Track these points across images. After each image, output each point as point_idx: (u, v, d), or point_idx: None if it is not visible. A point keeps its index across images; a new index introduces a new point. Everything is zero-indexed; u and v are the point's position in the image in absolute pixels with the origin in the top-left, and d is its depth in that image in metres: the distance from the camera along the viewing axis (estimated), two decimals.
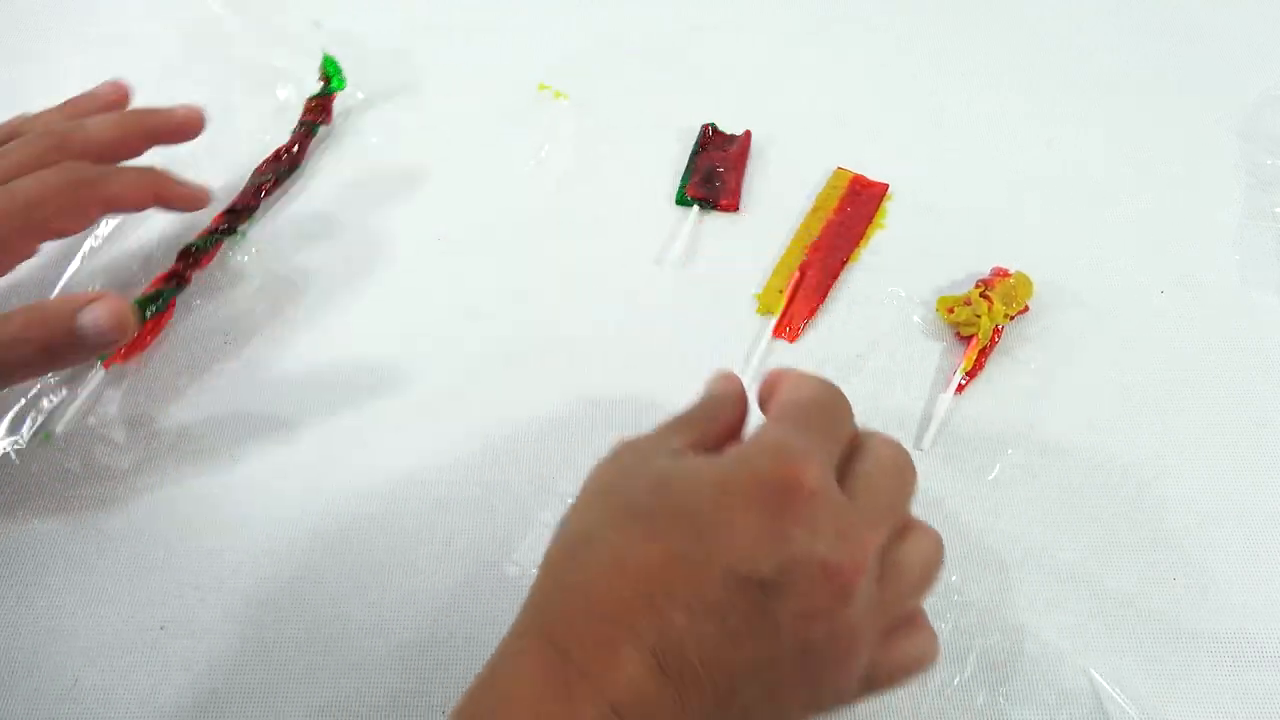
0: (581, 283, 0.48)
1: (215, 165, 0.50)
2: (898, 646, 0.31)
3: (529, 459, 0.43)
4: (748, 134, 0.52)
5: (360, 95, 0.54)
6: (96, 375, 0.44)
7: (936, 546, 0.31)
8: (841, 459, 0.31)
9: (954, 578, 0.40)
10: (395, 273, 0.48)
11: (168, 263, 0.47)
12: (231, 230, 0.48)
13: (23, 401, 0.44)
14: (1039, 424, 0.44)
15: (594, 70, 0.55)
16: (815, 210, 0.50)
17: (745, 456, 0.30)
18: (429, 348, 0.46)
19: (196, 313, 0.47)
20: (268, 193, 0.49)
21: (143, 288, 0.46)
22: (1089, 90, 0.54)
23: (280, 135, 0.52)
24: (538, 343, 0.46)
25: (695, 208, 0.50)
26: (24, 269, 0.42)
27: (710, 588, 0.28)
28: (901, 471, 0.32)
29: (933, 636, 0.32)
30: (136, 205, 0.43)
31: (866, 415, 0.44)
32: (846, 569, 0.28)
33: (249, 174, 0.50)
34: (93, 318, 0.37)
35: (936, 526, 0.41)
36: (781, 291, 0.47)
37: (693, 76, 0.55)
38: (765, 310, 0.47)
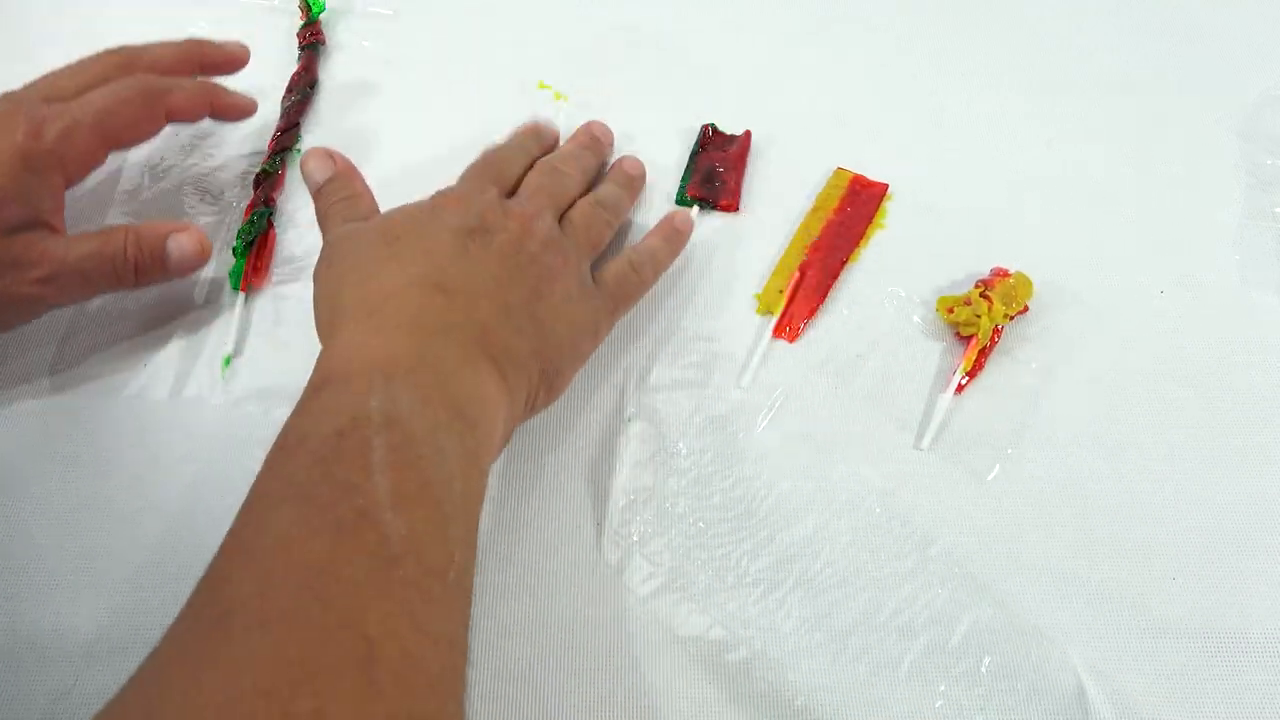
0: None
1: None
2: (607, 265, 0.44)
3: (530, 460, 0.43)
4: (747, 134, 0.52)
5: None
6: (238, 299, 0.47)
7: (591, 206, 0.46)
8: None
9: (957, 585, 0.40)
10: None
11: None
12: (289, 148, 0.53)
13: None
14: (1039, 424, 0.44)
15: (593, 71, 0.55)
16: (815, 210, 0.50)
17: (432, 199, 0.42)
18: None
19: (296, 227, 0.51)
20: (304, 110, 0.55)
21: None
22: (1089, 90, 0.54)
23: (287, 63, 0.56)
24: None
25: (695, 208, 0.50)
26: None
27: (448, 243, 0.39)
28: (552, 172, 0.46)
29: (623, 260, 0.45)
30: (195, 115, 0.48)
31: (866, 415, 0.44)
32: (520, 215, 0.42)
33: (278, 101, 0.54)
34: (178, 245, 0.44)
35: (936, 526, 0.42)
36: (782, 291, 0.47)
37: (693, 76, 0.55)
38: (765, 310, 0.47)
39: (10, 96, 0.43)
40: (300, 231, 0.50)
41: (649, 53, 0.56)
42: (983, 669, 0.38)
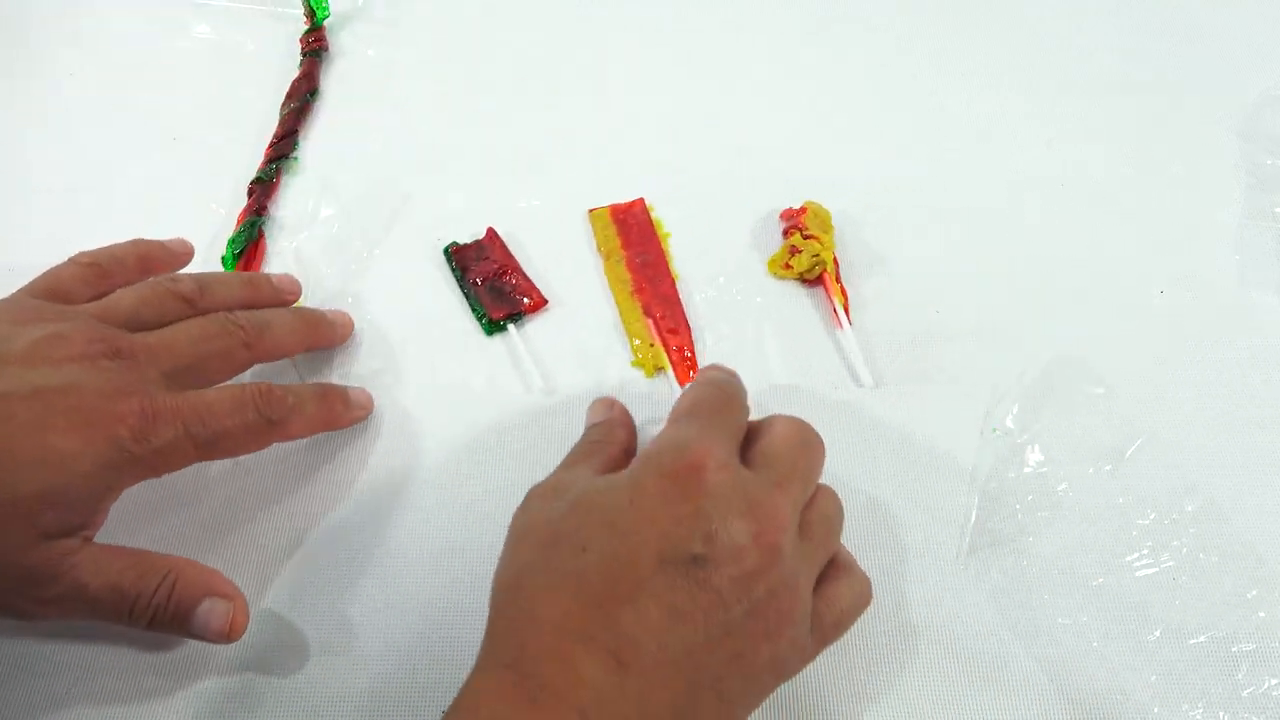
0: (475, 466, 0.43)
1: (246, 106, 0.54)
2: (834, 592, 0.34)
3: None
4: (490, 231, 0.48)
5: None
6: None
7: (835, 499, 0.35)
8: (746, 443, 0.35)
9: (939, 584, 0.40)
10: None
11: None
12: (286, 156, 0.52)
13: None
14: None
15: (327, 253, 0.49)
16: (608, 259, 0.48)
17: (648, 458, 0.33)
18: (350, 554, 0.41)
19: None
20: (302, 118, 0.54)
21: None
22: (1089, 90, 0.54)
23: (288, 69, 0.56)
24: (475, 528, 0.41)
25: (510, 327, 0.46)
26: None
27: (647, 577, 0.30)
28: (803, 442, 0.35)
29: (864, 578, 0.35)
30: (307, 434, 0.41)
31: (790, 388, 0.44)
32: (768, 529, 0.31)
33: (276, 107, 0.54)
34: (204, 614, 0.35)
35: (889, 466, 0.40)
36: (652, 345, 0.45)
37: (420, 204, 0.51)
38: (653, 371, 0.45)
39: (127, 353, 0.35)
40: (291, 240, 0.49)
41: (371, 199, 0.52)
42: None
